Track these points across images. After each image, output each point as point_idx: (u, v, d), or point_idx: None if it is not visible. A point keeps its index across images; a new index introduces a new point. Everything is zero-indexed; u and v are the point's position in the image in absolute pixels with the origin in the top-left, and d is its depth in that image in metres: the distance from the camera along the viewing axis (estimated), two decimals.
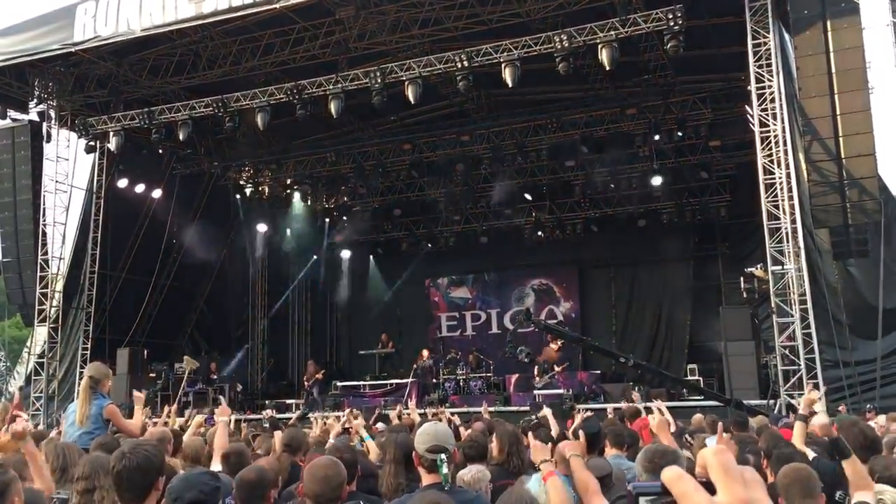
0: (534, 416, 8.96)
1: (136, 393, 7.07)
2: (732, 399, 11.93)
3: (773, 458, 4.43)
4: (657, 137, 18.62)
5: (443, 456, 3.67)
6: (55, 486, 4.21)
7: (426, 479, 3.74)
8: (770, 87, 13.54)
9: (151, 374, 18.79)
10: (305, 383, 20.02)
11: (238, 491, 3.90)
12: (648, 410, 7.72)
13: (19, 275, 18.45)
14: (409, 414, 9.99)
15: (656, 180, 19.61)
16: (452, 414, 10.74)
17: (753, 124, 14.08)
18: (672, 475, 1.77)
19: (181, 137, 17.49)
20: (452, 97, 18.61)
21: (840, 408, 10.44)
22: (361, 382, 20.02)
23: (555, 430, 6.91)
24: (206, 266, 22.47)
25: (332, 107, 16.01)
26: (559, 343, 18.56)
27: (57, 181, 18.49)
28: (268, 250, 24.13)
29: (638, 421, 8.87)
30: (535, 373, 17.64)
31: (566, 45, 14.21)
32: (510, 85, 14.96)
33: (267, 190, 23.23)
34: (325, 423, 8.30)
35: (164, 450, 4.45)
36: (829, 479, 3.93)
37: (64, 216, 18.68)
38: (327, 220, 24.03)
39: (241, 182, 23.62)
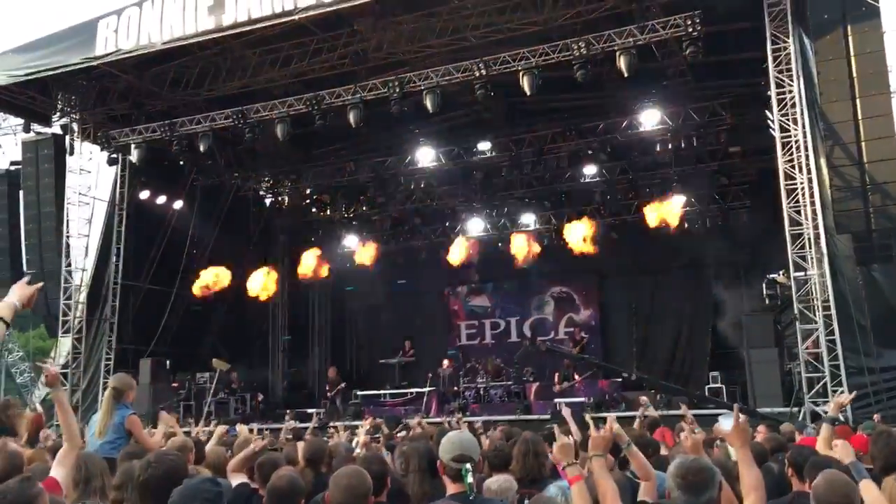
0: (554, 426, 8.91)
1: (163, 414, 7.12)
2: (743, 406, 11.79)
3: (810, 464, 4.36)
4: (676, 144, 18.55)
5: (468, 465, 3.66)
6: (78, 498, 4.22)
7: (450, 488, 3.72)
8: (790, 91, 13.46)
9: (174, 384, 18.90)
10: (328, 392, 20.04)
11: (269, 499, 3.89)
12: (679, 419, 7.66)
13: (43, 286, 18.63)
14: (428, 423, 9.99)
15: (676, 187, 19.49)
16: (471, 422, 10.69)
17: (774, 129, 13.98)
18: None
19: (202, 149, 17.62)
20: (471, 106, 18.63)
21: (875, 416, 10.29)
22: (382, 391, 20.01)
23: (575, 436, 6.87)
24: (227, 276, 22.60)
25: (351, 117, 16.10)
26: (577, 349, 18.67)
27: (80, 193, 18.72)
28: (288, 260, 24.21)
29: (659, 430, 8.82)
30: (556, 379, 17.64)
31: (584, 52, 14.21)
32: (528, 93, 14.96)
33: (287, 200, 23.34)
34: (351, 434, 8.29)
35: (186, 459, 4.48)
36: None
37: (87, 228, 18.90)
38: (346, 228, 24.09)
39: (262, 193, 23.76)
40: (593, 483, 3.91)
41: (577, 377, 17.49)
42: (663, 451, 6.31)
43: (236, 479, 4.96)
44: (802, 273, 13.24)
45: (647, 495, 3.99)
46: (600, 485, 3.79)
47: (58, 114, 18.58)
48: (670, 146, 18.71)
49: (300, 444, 6.59)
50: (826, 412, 11.64)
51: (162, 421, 6.83)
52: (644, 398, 11.45)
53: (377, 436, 8.26)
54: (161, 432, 6.70)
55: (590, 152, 19.57)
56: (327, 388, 20.38)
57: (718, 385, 16.38)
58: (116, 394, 6.46)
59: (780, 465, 5.10)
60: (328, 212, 23.50)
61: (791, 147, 13.46)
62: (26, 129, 18.83)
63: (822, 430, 5.17)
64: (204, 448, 6.24)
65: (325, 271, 22.15)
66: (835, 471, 3.73)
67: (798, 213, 13.29)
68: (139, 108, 18.60)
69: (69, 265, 18.48)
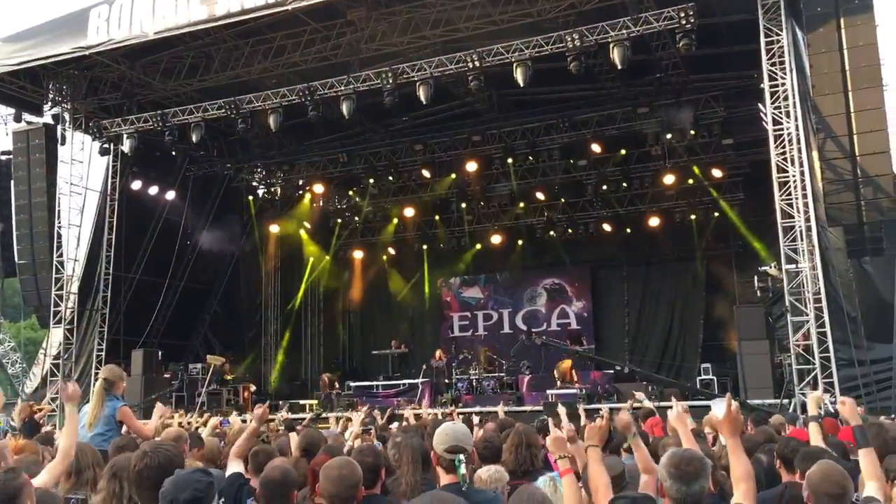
0: (546, 417, 8.94)
1: (158, 404, 7.11)
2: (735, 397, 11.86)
3: (800, 455, 4.37)
4: (669, 136, 18.56)
5: (461, 456, 3.67)
6: (70, 488, 4.22)
7: (444, 478, 3.74)
8: (783, 84, 13.48)
9: (166, 375, 18.86)
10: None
11: (262, 490, 3.89)
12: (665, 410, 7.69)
13: (35, 277, 18.61)
14: (427, 414, 9.99)
15: (669, 179, 19.54)
16: (470, 413, 10.68)
17: (767, 122, 14.00)
18: None
19: (194, 139, 17.58)
20: (464, 97, 18.60)
21: (858, 409, 10.38)
22: (375, 382, 20.03)
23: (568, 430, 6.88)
24: (219, 267, 22.58)
25: (344, 108, 16.07)
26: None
27: (71, 183, 18.62)
28: (280, 251, 24.20)
29: (650, 420, 8.85)
30: (558, 376, 17.71)
31: (578, 44, 14.20)
32: (522, 84, 14.95)
33: (279, 191, 23.31)
34: (346, 422, 8.28)
35: (182, 450, 4.48)
36: None
37: (78, 218, 18.81)
38: (339, 220, 24.08)
39: (254, 183, 23.71)
40: (587, 474, 3.91)
41: (575, 378, 17.59)
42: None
43: (235, 467, 4.93)
44: (794, 265, 13.28)
45: (647, 489, 3.95)
46: (594, 476, 3.79)
47: (49, 103, 18.48)
48: (663, 138, 18.70)
49: (293, 436, 6.58)
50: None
51: (157, 411, 6.81)
52: (639, 393, 11.46)
53: (369, 427, 8.26)
54: (156, 421, 6.68)
55: (582, 144, 19.57)
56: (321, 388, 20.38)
57: (710, 377, 16.47)
58: (107, 385, 6.42)
59: (768, 455, 5.12)
60: (321, 203, 23.46)
61: (784, 140, 13.47)
62: (17, 119, 18.73)
63: (810, 430, 5.19)
64: (199, 438, 6.22)
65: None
66: (830, 461, 3.71)
67: (790, 205, 13.32)
68: (131, 98, 18.50)
69: (60, 255, 18.39)
